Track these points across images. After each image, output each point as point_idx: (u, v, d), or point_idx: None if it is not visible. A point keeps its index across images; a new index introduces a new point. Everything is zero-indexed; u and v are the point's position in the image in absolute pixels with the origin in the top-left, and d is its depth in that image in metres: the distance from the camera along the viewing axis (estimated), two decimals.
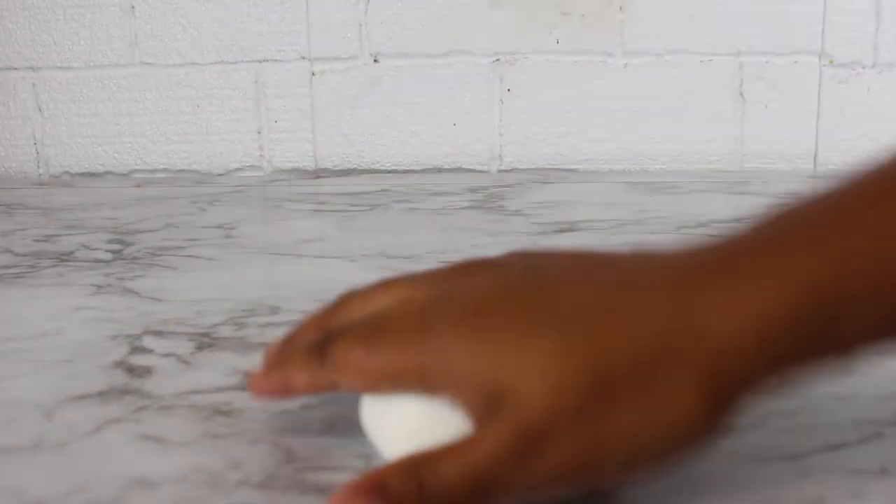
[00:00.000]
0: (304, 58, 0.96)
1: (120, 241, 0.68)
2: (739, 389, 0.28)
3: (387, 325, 0.31)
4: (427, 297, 0.32)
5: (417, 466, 0.28)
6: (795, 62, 0.93)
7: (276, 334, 0.46)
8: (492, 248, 0.64)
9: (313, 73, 0.96)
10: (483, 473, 0.27)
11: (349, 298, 0.35)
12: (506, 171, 0.97)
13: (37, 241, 0.69)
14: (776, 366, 0.28)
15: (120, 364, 0.43)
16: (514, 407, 0.27)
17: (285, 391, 0.34)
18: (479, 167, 0.97)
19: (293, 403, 0.38)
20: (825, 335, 0.28)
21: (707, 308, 0.28)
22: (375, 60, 0.95)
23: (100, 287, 0.56)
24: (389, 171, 0.97)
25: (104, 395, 0.39)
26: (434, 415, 0.29)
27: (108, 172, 0.99)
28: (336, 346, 0.31)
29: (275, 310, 0.50)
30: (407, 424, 0.30)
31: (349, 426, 0.36)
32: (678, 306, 0.28)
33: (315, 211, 0.81)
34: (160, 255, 0.64)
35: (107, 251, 0.65)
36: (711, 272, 0.29)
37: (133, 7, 0.95)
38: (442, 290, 0.32)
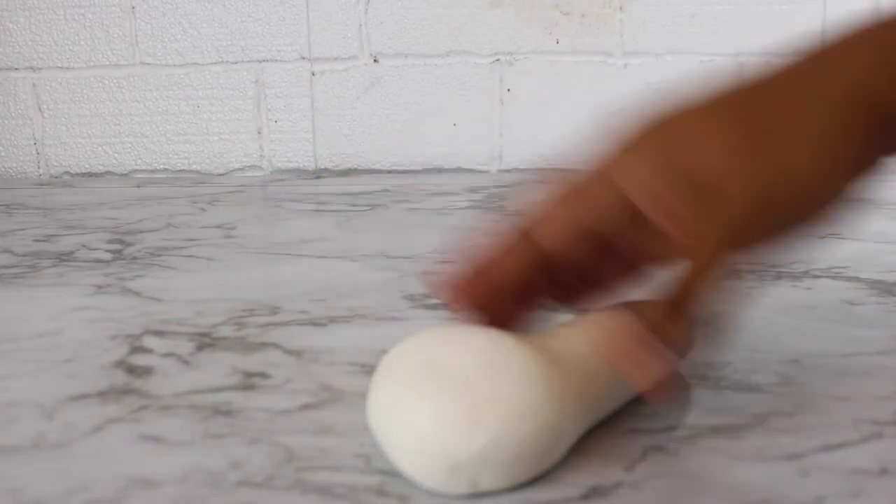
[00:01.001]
0: (304, 58, 0.96)
1: (120, 241, 0.68)
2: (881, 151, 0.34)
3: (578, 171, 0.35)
4: (650, 114, 0.36)
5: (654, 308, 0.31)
6: None
7: (277, 334, 0.46)
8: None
9: (313, 74, 0.96)
10: (739, 222, 0.32)
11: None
12: (506, 170, 0.97)
13: (37, 241, 0.69)
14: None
15: (120, 364, 0.43)
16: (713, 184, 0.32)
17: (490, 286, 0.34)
18: (479, 167, 0.97)
19: (293, 403, 0.38)
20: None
21: (829, 78, 0.33)
22: (375, 60, 0.96)
23: (100, 287, 0.56)
24: (389, 171, 0.97)
25: (104, 395, 0.39)
26: (443, 416, 0.30)
27: (108, 172, 0.99)
28: (531, 211, 0.34)
29: (275, 310, 0.50)
30: (416, 426, 0.30)
31: (349, 426, 0.36)
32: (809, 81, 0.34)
33: (315, 211, 0.81)
34: (160, 255, 0.64)
35: (107, 251, 0.65)
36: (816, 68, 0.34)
37: (133, 7, 0.95)
38: (662, 107, 0.36)
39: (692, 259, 0.32)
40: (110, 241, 0.68)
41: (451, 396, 0.30)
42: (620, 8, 0.93)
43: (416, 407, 0.30)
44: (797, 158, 0.32)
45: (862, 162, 0.34)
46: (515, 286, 0.34)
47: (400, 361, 0.32)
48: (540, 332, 0.35)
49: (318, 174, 0.98)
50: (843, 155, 0.33)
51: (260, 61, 0.96)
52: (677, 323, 0.31)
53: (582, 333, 0.34)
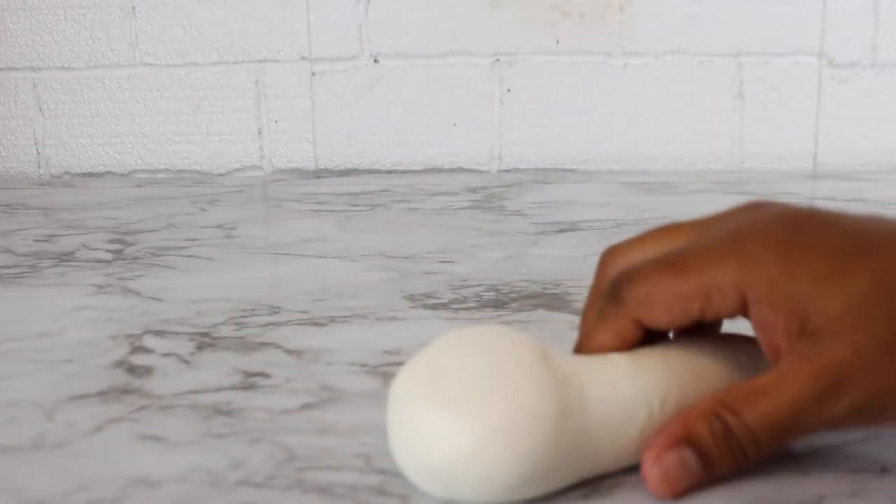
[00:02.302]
0: (304, 58, 0.96)
1: (120, 241, 0.68)
2: None
3: (696, 249, 0.30)
4: (723, 227, 0.31)
5: (716, 410, 0.29)
6: (794, 63, 0.93)
7: (277, 334, 0.46)
8: (492, 247, 0.64)
9: (313, 74, 0.96)
10: (786, 416, 0.28)
11: (618, 254, 0.34)
12: (506, 171, 0.97)
13: (37, 241, 0.69)
14: None
15: (120, 364, 0.43)
16: (824, 340, 0.28)
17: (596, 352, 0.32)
18: (479, 167, 0.97)
19: (293, 403, 0.38)
20: None
21: None
22: (375, 61, 0.96)
23: (100, 287, 0.56)
24: (389, 171, 0.97)
25: (105, 395, 0.39)
26: (434, 420, 0.28)
27: (108, 172, 0.99)
28: (635, 283, 0.31)
29: (275, 310, 0.50)
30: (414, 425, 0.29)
31: (349, 426, 0.36)
32: None
33: (315, 211, 0.81)
34: (161, 255, 0.64)
35: (107, 251, 0.65)
36: None
37: (134, 8, 0.95)
38: (734, 224, 0.31)
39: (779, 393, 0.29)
40: (111, 241, 0.68)
41: (453, 401, 0.28)
42: (620, 8, 0.93)
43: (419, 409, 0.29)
44: None
45: None
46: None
47: (419, 366, 0.31)
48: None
49: (319, 174, 0.98)
50: None
51: (260, 61, 0.96)
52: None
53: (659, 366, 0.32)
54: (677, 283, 0.30)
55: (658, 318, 0.31)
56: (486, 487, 0.28)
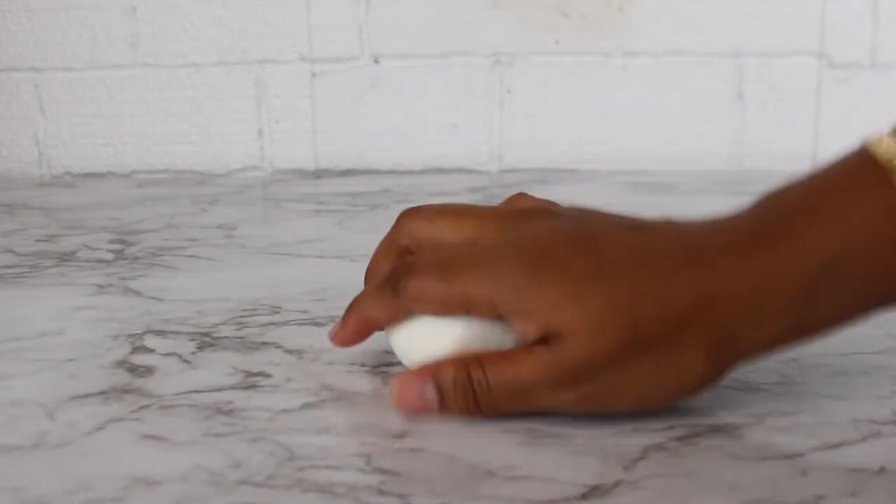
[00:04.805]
0: (304, 58, 0.96)
1: (121, 242, 0.68)
2: (737, 356, 0.34)
3: (463, 259, 0.36)
4: (496, 238, 0.36)
5: (468, 363, 0.35)
6: (794, 63, 0.93)
7: (277, 334, 0.46)
8: None
9: (314, 74, 0.96)
10: (521, 384, 0.34)
11: (413, 220, 0.40)
12: (506, 171, 0.97)
13: (39, 241, 0.69)
14: (767, 337, 0.34)
15: (121, 363, 0.43)
16: (564, 344, 0.33)
17: (365, 330, 0.39)
18: (479, 167, 0.97)
19: (293, 403, 0.38)
20: (812, 313, 0.33)
21: (719, 282, 0.33)
22: (376, 61, 0.96)
23: (101, 287, 0.56)
24: (389, 171, 0.97)
25: (106, 395, 0.39)
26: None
27: (109, 173, 0.99)
28: (412, 280, 0.36)
29: (275, 310, 0.50)
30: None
31: (350, 425, 0.36)
32: (699, 278, 0.33)
33: (315, 211, 0.81)
34: (161, 255, 0.64)
35: (108, 251, 0.66)
36: (724, 247, 0.34)
37: (134, 8, 0.95)
38: (509, 233, 0.36)
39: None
40: (112, 241, 0.69)
41: None
42: (620, 8, 0.93)
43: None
44: None
45: None
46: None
47: None
48: None
49: (319, 174, 0.98)
50: None
51: (260, 62, 0.96)
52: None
53: None
54: (443, 288, 0.35)
55: (430, 311, 0.36)
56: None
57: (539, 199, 0.40)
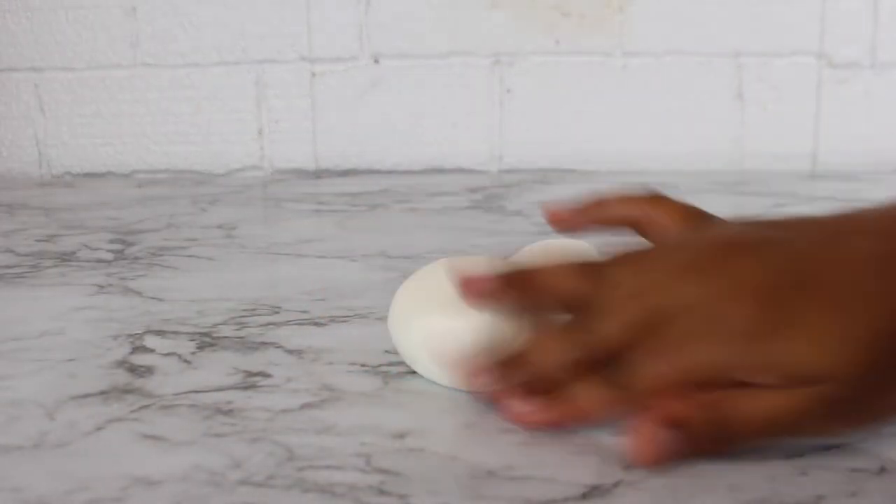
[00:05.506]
0: (304, 59, 0.96)
1: (121, 241, 0.68)
2: None
3: (677, 332, 0.33)
4: (702, 293, 0.33)
5: (719, 402, 0.32)
6: (794, 63, 0.93)
7: (277, 334, 0.46)
8: (492, 248, 0.64)
9: (314, 74, 0.96)
10: (782, 420, 0.32)
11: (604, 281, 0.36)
12: (506, 171, 0.97)
13: (39, 241, 0.69)
14: None
15: (121, 363, 0.43)
16: (821, 383, 0.31)
17: (578, 421, 0.35)
18: (479, 167, 0.97)
19: (293, 403, 0.38)
20: None
21: None
22: (376, 61, 0.96)
23: (101, 287, 0.56)
24: (389, 171, 0.97)
25: (106, 395, 0.39)
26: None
27: (109, 173, 0.99)
28: (637, 374, 0.33)
29: (275, 310, 0.50)
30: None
31: (350, 425, 0.36)
32: None
33: (315, 211, 0.81)
34: (161, 255, 0.64)
35: (108, 251, 0.66)
36: None
37: (134, 8, 0.96)
38: (713, 286, 0.33)
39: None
40: (112, 241, 0.69)
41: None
42: (620, 8, 0.93)
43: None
44: None
45: None
46: None
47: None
48: None
49: (319, 174, 0.98)
50: None
51: (260, 62, 0.96)
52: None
53: None
54: (673, 372, 0.33)
55: (660, 397, 0.33)
56: None
57: (682, 206, 0.40)
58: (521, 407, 0.35)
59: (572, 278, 0.36)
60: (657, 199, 0.40)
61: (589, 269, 0.36)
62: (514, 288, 0.37)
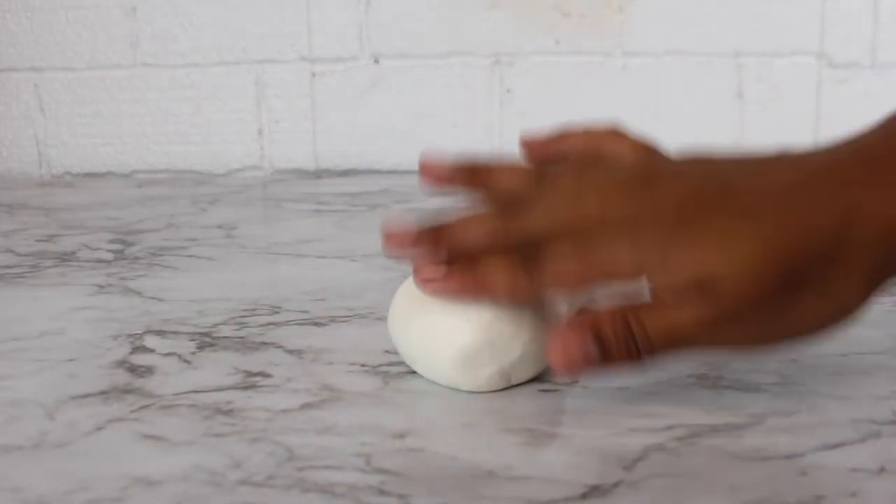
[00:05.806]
0: (304, 59, 0.96)
1: (121, 241, 0.68)
2: (891, 275, 0.34)
3: (598, 229, 0.35)
4: (627, 206, 0.35)
5: (624, 314, 0.34)
6: (794, 63, 0.93)
7: (277, 334, 0.46)
8: None
9: (314, 74, 0.96)
10: (679, 331, 0.34)
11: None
12: None
13: (39, 241, 0.69)
14: None
15: (121, 363, 0.43)
16: (719, 289, 0.33)
17: (478, 293, 0.37)
18: None
19: (293, 403, 0.38)
20: None
21: (866, 202, 0.33)
22: (376, 61, 0.96)
23: (101, 287, 0.56)
24: (389, 171, 0.97)
25: (106, 395, 0.39)
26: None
27: (109, 173, 0.99)
28: (549, 264, 0.35)
29: (275, 310, 0.51)
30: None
31: (350, 425, 0.36)
32: (843, 202, 0.33)
33: (315, 211, 0.81)
34: (161, 255, 0.64)
35: (108, 251, 0.66)
36: (863, 166, 0.34)
37: (134, 8, 0.95)
38: (639, 201, 0.35)
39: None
40: (112, 241, 0.69)
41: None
42: (620, 8, 0.93)
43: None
44: None
45: None
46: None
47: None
48: None
49: (319, 174, 0.98)
50: None
51: (260, 62, 0.96)
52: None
53: None
54: (582, 265, 0.35)
55: (567, 290, 0.37)
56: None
57: (639, 141, 0.41)
58: (429, 272, 0.38)
59: (518, 175, 0.40)
60: (616, 133, 0.42)
61: (535, 171, 0.40)
62: (462, 175, 0.41)
